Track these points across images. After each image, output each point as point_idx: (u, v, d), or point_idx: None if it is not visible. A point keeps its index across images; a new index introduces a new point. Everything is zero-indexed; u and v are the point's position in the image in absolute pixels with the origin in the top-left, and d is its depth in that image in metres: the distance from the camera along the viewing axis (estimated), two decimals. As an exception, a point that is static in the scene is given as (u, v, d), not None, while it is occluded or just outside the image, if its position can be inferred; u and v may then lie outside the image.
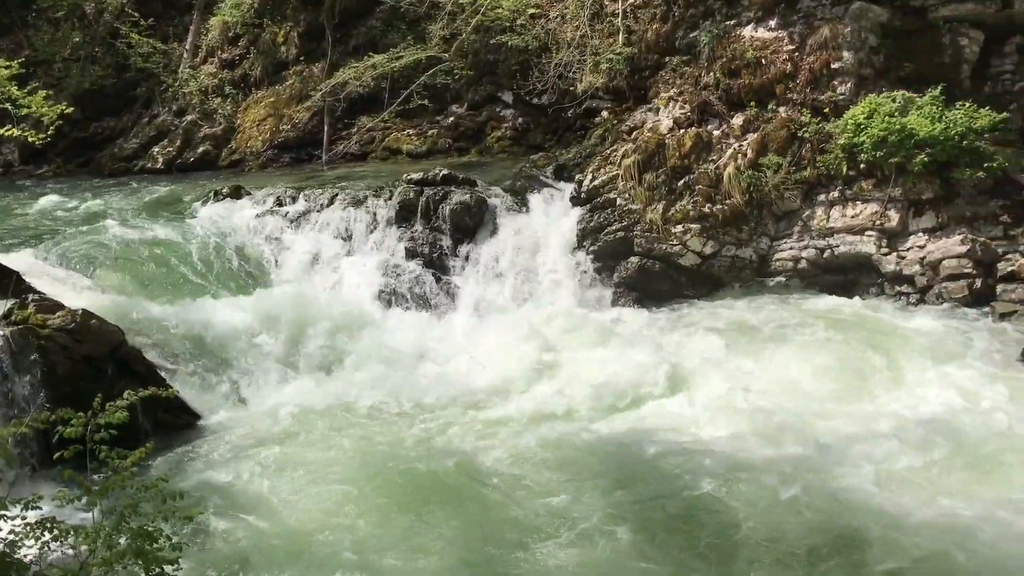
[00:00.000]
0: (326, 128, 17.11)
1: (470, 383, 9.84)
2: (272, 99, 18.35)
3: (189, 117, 18.68)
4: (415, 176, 13.20)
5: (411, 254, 12.50)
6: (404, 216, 12.78)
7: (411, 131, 16.67)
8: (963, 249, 11.05)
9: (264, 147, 17.81)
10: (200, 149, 18.32)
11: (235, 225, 12.83)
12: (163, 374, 9.16)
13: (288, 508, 7.18)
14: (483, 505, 7.17)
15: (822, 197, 12.03)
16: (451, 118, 16.54)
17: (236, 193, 13.63)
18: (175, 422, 8.90)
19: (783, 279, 12.12)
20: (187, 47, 19.62)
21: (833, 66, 12.24)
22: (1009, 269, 10.86)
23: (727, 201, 12.12)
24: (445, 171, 13.18)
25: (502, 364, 10.24)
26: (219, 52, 19.49)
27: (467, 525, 6.86)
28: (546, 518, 6.89)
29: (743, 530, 6.66)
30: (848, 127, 11.65)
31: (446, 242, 12.63)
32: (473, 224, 12.74)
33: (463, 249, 12.63)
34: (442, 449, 8.17)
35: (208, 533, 6.70)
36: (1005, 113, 11.21)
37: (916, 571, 6.06)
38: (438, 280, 12.29)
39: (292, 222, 12.94)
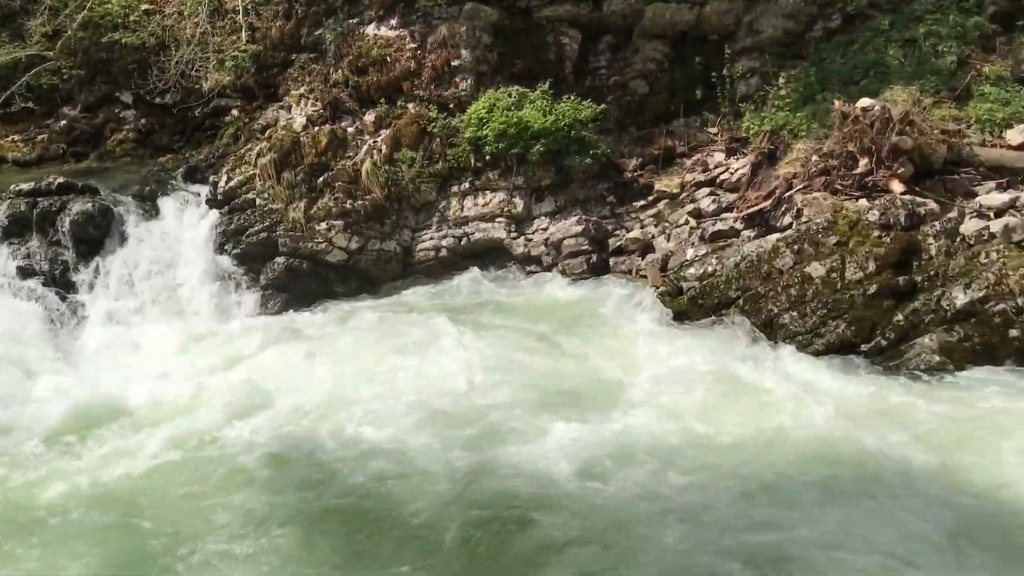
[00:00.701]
0: (-93, 137, 14.96)
1: (102, 408, 8.99)
2: None
3: None
4: (25, 186, 11.95)
5: (27, 272, 11.32)
6: (16, 231, 11.57)
7: (16, 137, 14.97)
8: (579, 229, 12.15)
9: None
10: None
11: None
12: None
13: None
14: (130, 529, 6.78)
15: (456, 188, 12.64)
16: (63, 121, 15.10)
17: None
18: None
19: (428, 268, 12.56)
20: None
21: (453, 63, 12.90)
22: (617, 244, 12.11)
23: (367, 196, 12.34)
24: (61, 179, 12.06)
25: (136, 383, 9.54)
26: None
27: (116, 549, 6.56)
28: (199, 528, 6.75)
29: (400, 525, 6.74)
30: (472, 122, 12.35)
31: (69, 257, 11.60)
32: (99, 235, 11.80)
33: (90, 263, 11.65)
34: (76, 479, 7.55)
35: None
36: (603, 105, 12.53)
37: (564, 551, 6.33)
38: (63, 299, 11.25)
39: None
